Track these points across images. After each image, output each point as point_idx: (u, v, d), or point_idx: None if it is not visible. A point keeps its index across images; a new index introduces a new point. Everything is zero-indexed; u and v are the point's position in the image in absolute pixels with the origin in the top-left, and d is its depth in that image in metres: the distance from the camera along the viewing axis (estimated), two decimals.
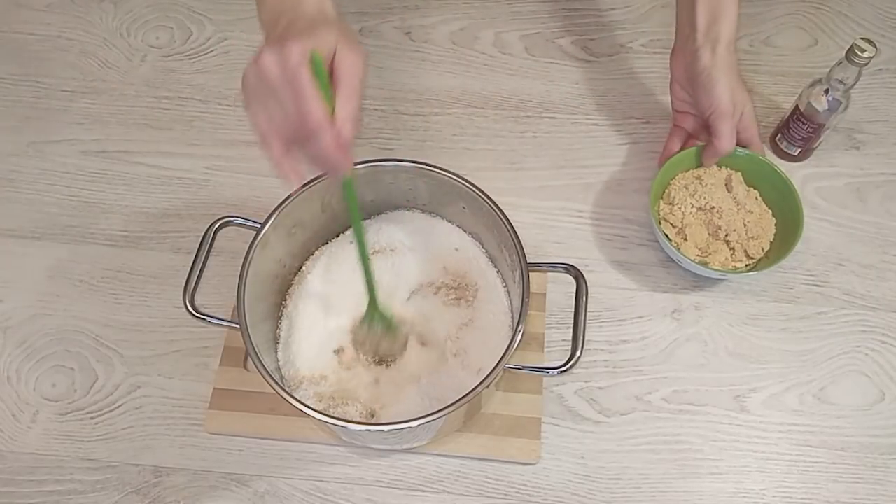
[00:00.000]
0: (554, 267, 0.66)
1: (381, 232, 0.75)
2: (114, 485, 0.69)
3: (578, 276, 0.64)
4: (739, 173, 0.79)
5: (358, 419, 0.66)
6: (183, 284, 0.64)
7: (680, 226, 0.77)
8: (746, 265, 0.76)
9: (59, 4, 1.00)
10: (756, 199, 0.78)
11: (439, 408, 0.57)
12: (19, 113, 0.91)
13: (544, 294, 0.76)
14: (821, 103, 0.78)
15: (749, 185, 0.79)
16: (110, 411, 0.73)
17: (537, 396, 0.71)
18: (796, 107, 0.81)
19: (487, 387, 0.58)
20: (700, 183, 0.78)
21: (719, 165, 0.79)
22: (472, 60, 0.96)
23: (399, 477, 0.70)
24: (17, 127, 0.90)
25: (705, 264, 0.75)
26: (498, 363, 0.59)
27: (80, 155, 0.88)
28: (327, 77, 0.51)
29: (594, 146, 0.89)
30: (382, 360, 0.69)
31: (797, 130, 0.82)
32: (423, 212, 0.76)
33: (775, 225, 0.78)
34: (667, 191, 0.79)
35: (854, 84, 0.76)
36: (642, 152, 0.88)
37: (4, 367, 0.75)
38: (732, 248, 0.76)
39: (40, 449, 0.71)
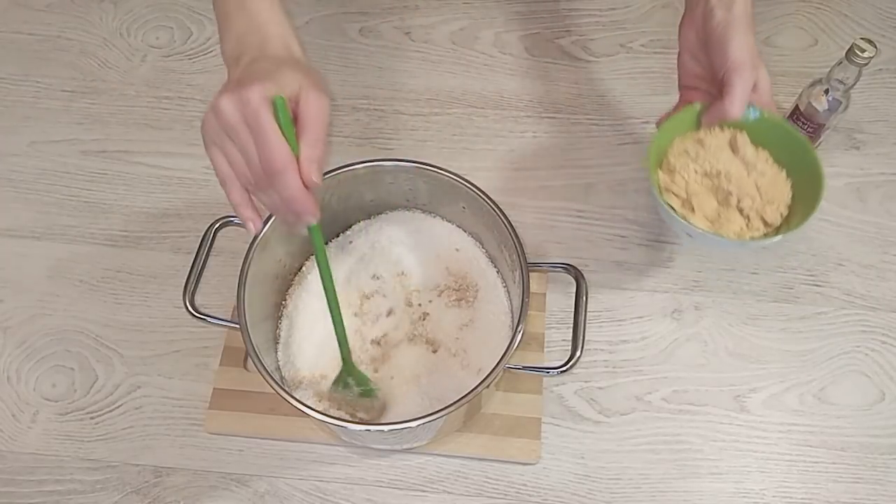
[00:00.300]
0: (554, 267, 0.66)
1: (381, 232, 0.75)
2: (114, 485, 0.69)
3: (578, 276, 0.64)
4: (745, 133, 0.69)
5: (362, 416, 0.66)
6: (183, 284, 0.64)
7: (685, 195, 0.68)
8: (765, 234, 0.67)
9: (59, 4, 1.00)
10: (767, 160, 0.69)
11: (439, 408, 0.57)
12: (19, 113, 0.91)
13: (544, 294, 0.76)
14: (821, 103, 0.78)
15: (757, 146, 0.69)
16: (110, 411, 0.73)
17: (537, 396, 0.71)
18: (796, 107, 0.81)
19: (487, 387, 0.59)
20: (702, 146, 0.68)
21: (721, 127, 0.69)
22: (472, 60, 0.96)
23: (399, 477, 0.70)
24: (17, 127, 0.90)
25: (719, 236, 0.66)
26: (498, 363, 0.59)
27: (80, 155, 0.88)
28: (290, 121, 0.50)
29: (594, 146, 0.89)
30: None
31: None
32: (423, 212, 0.76)
33: (791, 187, 0.69)
34: (665, 159, 0.70)
35: (854, 84, 0.75)
36: (642, 152, 0.88)
37: (4, 367, 0.75)
38: (747, 216, 0.67)
39: (40, 449, 0.71)
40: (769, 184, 0.68)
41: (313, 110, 0.50)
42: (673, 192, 0.68)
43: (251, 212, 0.54)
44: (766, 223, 0.68)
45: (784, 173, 0.69)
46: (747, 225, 0.67)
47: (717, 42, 0.64)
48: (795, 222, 0.66)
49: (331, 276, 0.60)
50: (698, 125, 0.69)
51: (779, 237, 0.65)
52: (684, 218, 0.66)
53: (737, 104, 0.63)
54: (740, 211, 0.67)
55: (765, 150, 0.69)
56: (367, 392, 0.66)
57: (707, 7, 0.66)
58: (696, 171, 0.68)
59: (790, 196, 0.69)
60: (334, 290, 0.61)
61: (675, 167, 0.68)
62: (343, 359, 0.65)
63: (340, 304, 0.62)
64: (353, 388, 0.65)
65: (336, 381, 0.66)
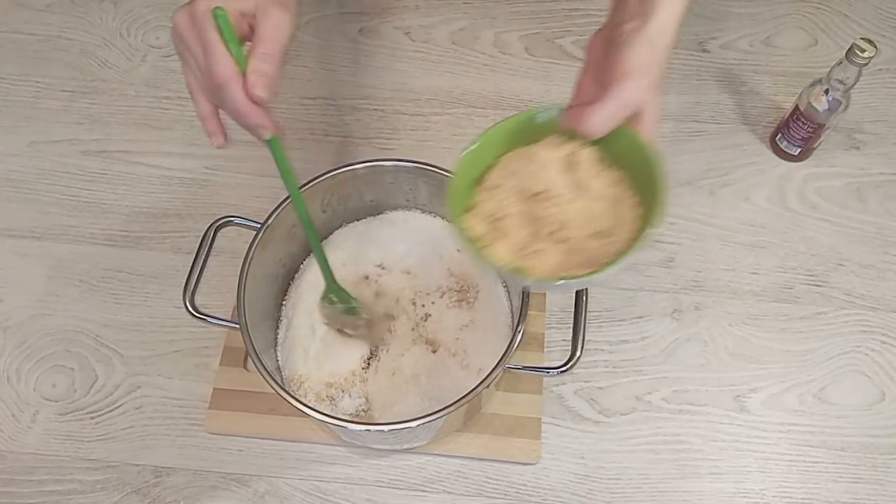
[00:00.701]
0: None
1: (381, 230, 0.75)
2: (114, 485, 0.69)
3: None
4: (594, 149, 0.52)
5: (356, 411, 0.67)
6: (183, 284, 0.64)
7: (496, 217, 0.52)
8: (592, 271, 0.49)
9: (59, 4, 1.00)
10: (613, 184, 0.52)
11: (439, 408, 0.57)
12: (19, 113, 0.91)
13: (544, 294, 0.76)
14: (821, 103, 0.78)
15: (612, 168, 0.53)
16: (110, 411, 0.73)
17: (537, 396, 0.71)
18: (796, 107, 0.81)
19: (487, 387, 0.58)
20: (531, 160, 0.53)
21: (566, 140, 0.52)
22: (472, 60, 0.96)
23: (399, 477, 0.70)
24: (17, 127, 0.90)
25: (520, 272, 0.49)
26: (498, 363, 0.59)
27: (80, 155, 0.88)
28: (234, 33, 0.48)
29: None
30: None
31: (797, 130, 0.82)
32: (423, 212, 0.76)
33: (642, 217, 0.51)
34: (489, 173, 0.54)
35: (854, 84, 0.75)
36: None
37: (4, 367, 0.75)
38: (569, 248, 0.51)
39: (40, 449, 0.71)
40: (605, 211, 0.52)
41: (269, 26, 0.49)
42: (485, 214, 0.53)
43: (215, 125, 0.53)
44: (591, 259, 0.50)
45: (637, 201, 0.52)
46: (566, 259, 0.51)
47: (614, 50, 0.52)
48: (621, 257, 0.49)
49: (296, 185, 0.58)
50: (536, 135, 0.54)
51: (593, 275, 0.48)
52: (481, 247, 0.51)
53: (596, 116, 0.49)
54: (561, 241, 0.51)
55: (621, 171, 0.53)
56: (351, 310, 0.68)
57: (619, 20, 0.54)
58: (513, 190, 0.53)
59: (637, 227, 0.51)
60: (302, 204, 0.60)
61: (495, 184, 0.54)
62: (325, 277, 0.67)
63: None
64: (338, 304, 0.68)
65: (322, 297, 0.68)
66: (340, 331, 0.70)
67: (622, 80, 0.50)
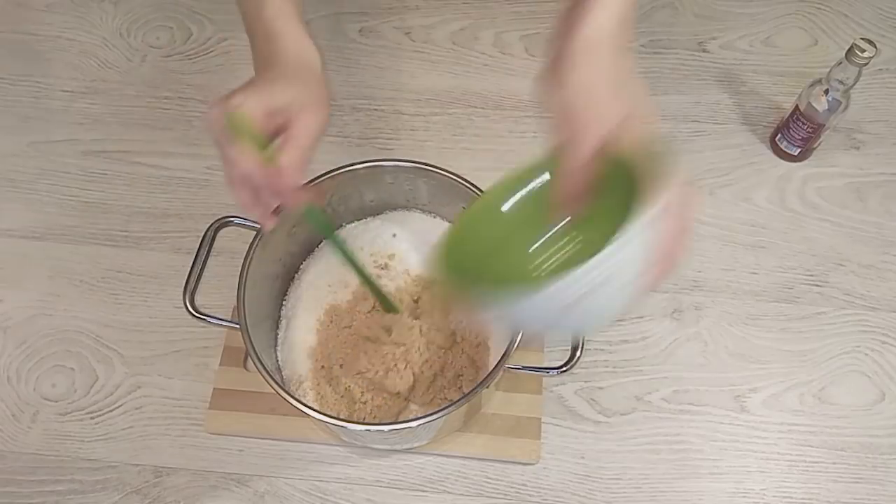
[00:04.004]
0: None
1: (381, 230, 0.75)
2: (114, 485, 0.69)
3: None
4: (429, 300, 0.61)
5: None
6: (183, 284, 0.64)
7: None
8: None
9: (59, 4, 1.00)
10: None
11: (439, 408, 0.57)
12: (19, 113, 0.91)
13: None
14: (821, 103, 0.78)
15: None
16: (110, 411, 0.73)
17: (537, 396, 0.71)
18: (796, 107, 0.81)
19: (487, 387, 0.58)
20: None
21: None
22: (472, 60, 0.96)
23: (399, 477, 0.70)
24: (17, 127, 0.90)
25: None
26: (498, 363, 0.59)
27: (80, 155, 0.88)
28: (250, 130, 0.49)
29: None
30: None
31: (797, 130, 0.82)
32: (423, 212, 0.76)
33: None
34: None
35: (854, 84, 0.76)
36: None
37: (4, 367, 0.75)
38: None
39: (40, 449, 0.71)
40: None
41: (301, 127, 0.51)
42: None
43: (261, 210, 0.55)
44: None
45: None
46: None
47: (557, 86, 0.47)
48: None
49: (336, 239, 0.61)
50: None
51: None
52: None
53: (578, 188, 0.48)
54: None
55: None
56: (390, 308, 0.69)
57: (555, 38, 0.49)
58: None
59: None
60: (347, 251, 0.63)
61: None
62: (374, 293, 0.68)
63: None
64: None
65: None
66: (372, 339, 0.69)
67: (578, 136, 0.46)
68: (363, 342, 0.68)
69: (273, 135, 0.51)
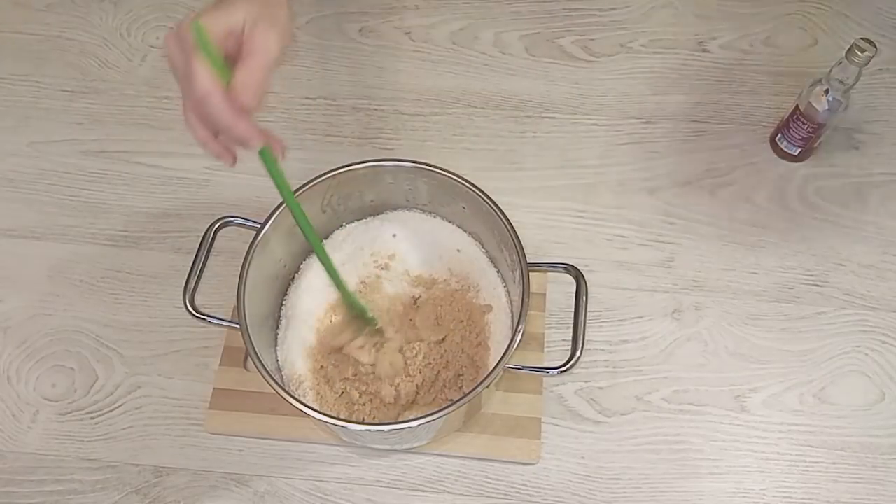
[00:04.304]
0: (554, 267, 0.66)
1: (381, 230, 0.75)
2: (114, 485, 0.69)
3: (578, 276, 0.64)
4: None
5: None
6: (183, 284, 0.64)
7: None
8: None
9: (59, 4, 1.00)
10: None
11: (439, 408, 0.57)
12: (19, 113, 0.91)
13: (544, 294, 0.76)
14: (821, 103, 0.78)
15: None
16: (110, 411, 0.73)
17: (537, 396, 0.71)
18: (796, 107, 0.81)
19: (487, 387, 0.58)
20: None
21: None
22: (472, 60, 0.96)
23: (399, 477, 0.70)
24: (17, 127, 0.90)
25: None
26: (498, 363, 0.59)
27: (80, 155, 0.88)
28: (211, 45, 0.47)
29: (594, 146, 0.89)
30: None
31: (797, 130, 0.82)
32: (423, 212, 0.76)
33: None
34: None
35: (854, 84, 0.76)
36: (642, 152, 0.88)
37: (4, 367, 0.75)
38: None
39: (40, 449, 0.71)
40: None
41: (256, 42, 0.48)
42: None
43: (217, 146, 0.52)
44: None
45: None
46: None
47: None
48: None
49: (291, 195, 0.57)
50: None
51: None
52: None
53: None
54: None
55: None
56: (367, 321, 0.67)
57: None
58: None
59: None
60: (310, 227, 0.59)
61: None
62: (339, 288, 0.65)
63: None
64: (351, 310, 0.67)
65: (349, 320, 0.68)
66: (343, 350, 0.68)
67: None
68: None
69: (233, 59, 0.49)
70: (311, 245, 0.60)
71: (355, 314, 0.68)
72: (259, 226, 0.65)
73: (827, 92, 0.77)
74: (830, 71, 0.76)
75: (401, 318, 0.70)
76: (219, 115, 0.47)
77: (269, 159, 0.53)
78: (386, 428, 0.59)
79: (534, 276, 0.64)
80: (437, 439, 0.68)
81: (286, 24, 0.51)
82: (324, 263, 0.62)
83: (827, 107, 0.78)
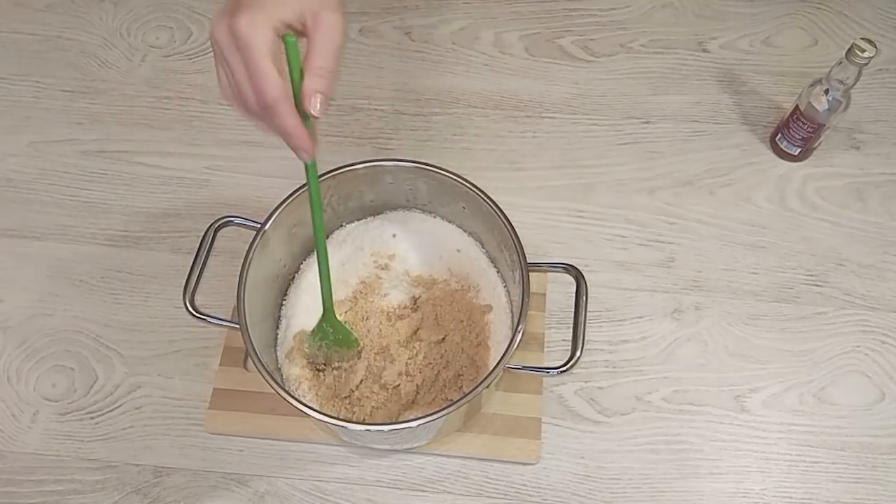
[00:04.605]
0: (554, 267, 0.66)
1: (381, 230, 0.75)
2: (114, 485, 0.69)
3: (578, 276, 0.64)
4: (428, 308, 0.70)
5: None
6: (183, 284, 0.64)
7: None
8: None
9: (59, 4, 1.00)
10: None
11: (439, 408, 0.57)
12: (19, 113, 0.91)
13: (544, 294, 0.76)
14: (821, 103, 0.78)
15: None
16: (110, 411, 0.73)
17: (537, 396, 0.71)
18: (796, 107, 0.81)
19: (487, 387, 0.58)
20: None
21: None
22: (472, 60, 0.96)
23: (399, 477, 0.70)
24: (17, 127, 0.90)
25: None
26: (498, 363, 0.59)
27: (80, 155, 0.88)
28: (299, 58, 0.47)
29: (594, 146, 0.89)
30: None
31: (797, 130, 0.82)
32: (423, 212, 0.76)
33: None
34: None
35: (854, 84, 0.76)
36: (642, 152, 0.88)
37: (4, 367, 0.75)
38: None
39: (40, 449, 0.71)
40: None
41: (323, 34, 0.47)
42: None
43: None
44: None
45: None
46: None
47: None
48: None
49: (320, 208, 0.58)
50: None
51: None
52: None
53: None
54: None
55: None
56: (347, 342, 0.67)
57: None
58: None
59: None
60: (324, 240, 0.60)
61: None
62: (326, 307, 0.65)
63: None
64: (330, 339, 0.66)
65: (314, 334, 0.67)
66: (316, 365, 0.68)
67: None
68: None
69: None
70: (319, 264, 0.62)
71: (336, 341, 0.67)
72: (259, 226, 0.65)
73: (827, 92, 0.77)
74: (830, 71, 0.76)
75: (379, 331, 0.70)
76: (286, 125, 0.48)
77: (313, 171, 0.56)
78: (386, 428, 0.59)
79: (534, 276, 0.64)
80: (437, 439, 0.68)
81: (344, 5, 0.49)
82: (322, 282, 0.63)
83: (827, 107, 0.78)
